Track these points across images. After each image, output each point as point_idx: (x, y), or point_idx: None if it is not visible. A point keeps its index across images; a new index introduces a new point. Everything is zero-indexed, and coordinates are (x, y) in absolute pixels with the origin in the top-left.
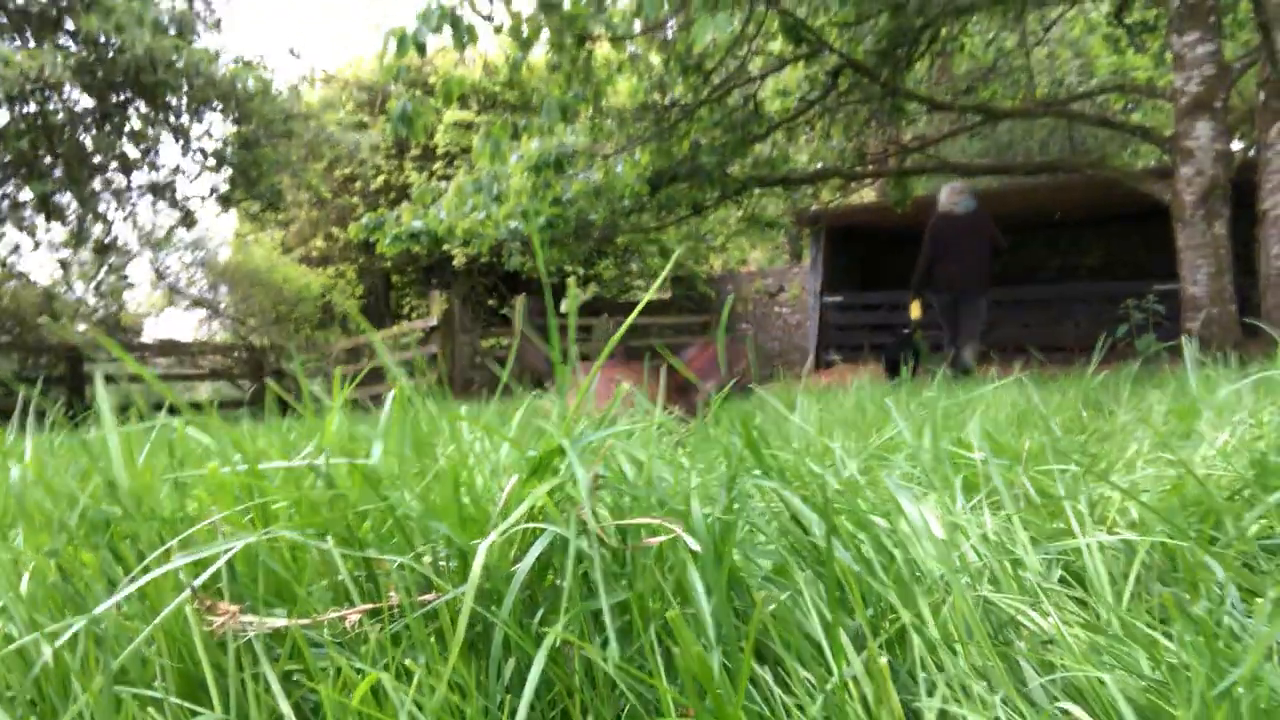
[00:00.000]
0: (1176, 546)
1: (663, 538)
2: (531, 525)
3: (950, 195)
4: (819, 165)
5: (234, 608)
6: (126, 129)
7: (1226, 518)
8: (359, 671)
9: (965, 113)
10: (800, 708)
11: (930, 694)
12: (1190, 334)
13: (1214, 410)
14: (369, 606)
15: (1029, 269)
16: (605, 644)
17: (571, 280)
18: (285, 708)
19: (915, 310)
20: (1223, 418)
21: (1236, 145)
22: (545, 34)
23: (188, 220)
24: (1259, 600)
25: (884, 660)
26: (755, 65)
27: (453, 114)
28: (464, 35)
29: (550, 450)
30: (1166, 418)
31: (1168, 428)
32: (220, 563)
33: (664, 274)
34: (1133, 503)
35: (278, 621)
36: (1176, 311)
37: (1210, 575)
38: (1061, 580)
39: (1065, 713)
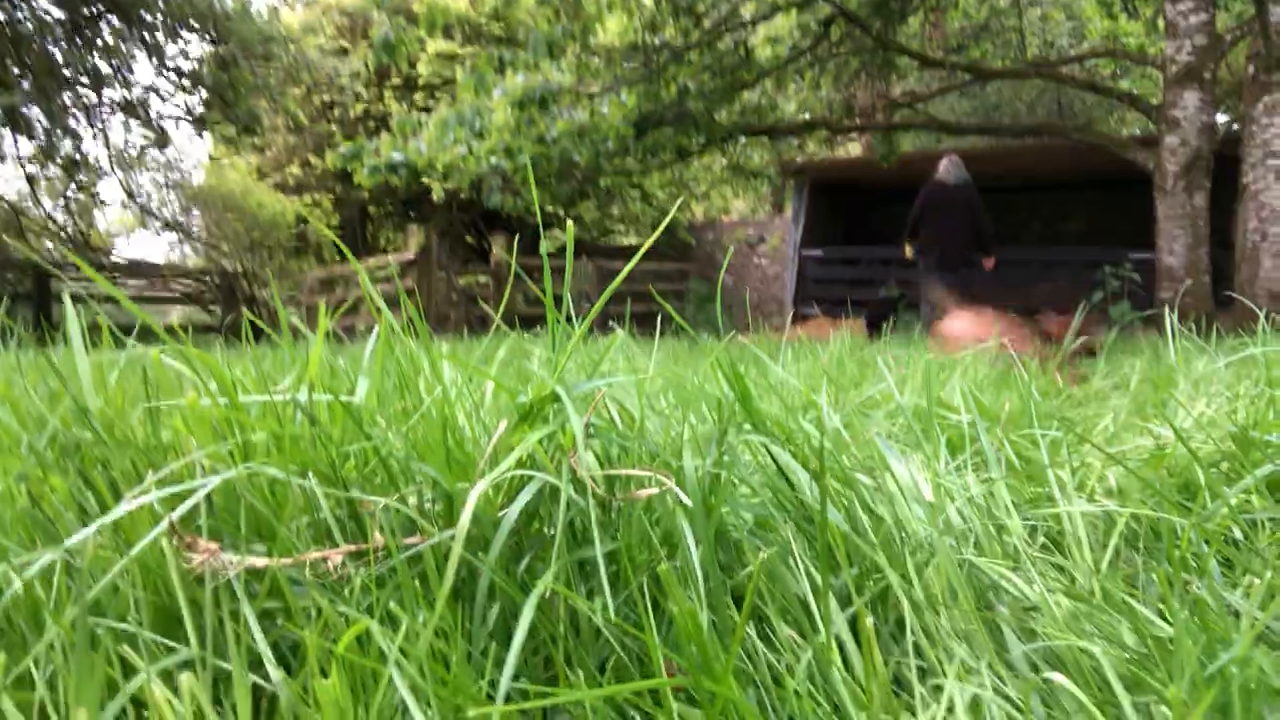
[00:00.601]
0: (1158, 517)
1: (653, 490)
2: (521, 472)
3: (946, 165)
4: (806, 116)
5: (213, 544)
6: (98, 43)
7: (1206, 490)
8: (342, 615)
9: (955, 70)
10: (787, 667)
11: (916, 655)
12: (1165, 304)
13: (1191, 381)
14: (352, 548)
15: (1011, 231)
16: (591, 594)
17: (570, 224)
18: (264, 647)
19: (908, 251)
20: (1199, 389)
21: (1222, 118)
22: None
23: (161, 140)
24: (1238, 571)
25: (869, 621)
26: (748, 10)
27: (436, 45)
28: None
29: (542, 396)
30: (1142, 387)
31: (1143, 397)
32: (199, 496)
33: (663, 225)
34: (1112, 470)
35: (258, 560)
36: (1152, 280)
37: (1191, 546)
38: (1042, 546)
39: (1048, 681)
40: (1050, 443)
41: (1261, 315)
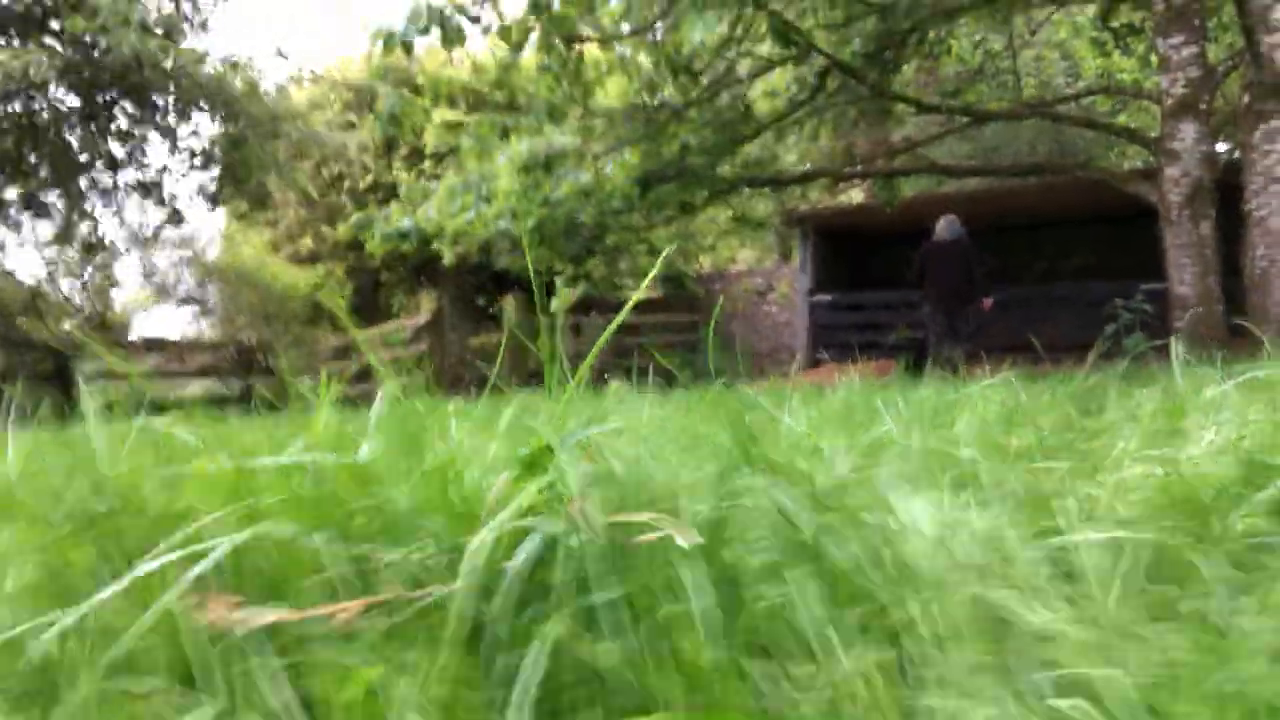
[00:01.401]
0: (1166, 544)
1: (654, 535)
2: (523, 523)
3: (943, 224)
4: (807, 166)
5: (231, 599)
6: (113, 128)
7: (1214, 516)
8: (353, 667)
9: (952, 114)
10: (794, 705)
11: (926, 689)
12: (1177, 333)
13: (1201, 409)
14: (362, 603)
15: (1014, 271)
16: (597, 640)
17: (561, 284)
18: (286, 697)
19: None
20: (1209, 416)
21: (1221, 147)
22: (534, 36)
23: (175, 218)
24: (1251, 596)
25: (879, 659)
26: (744, 66)
27: (441, 113)
28: (452, 37)
29: (540, 448)
30: (1154, 416)
31: (1155, 426)
32: (214, 559)
33: (651, 274)
34: (1122, 500)
35: (270, 616)
36: (1163, 311)
37: (1198, 573)
38: (1051, 577)
39: (1060, 710)
40: (1060, 475)
41: (1266, 341)
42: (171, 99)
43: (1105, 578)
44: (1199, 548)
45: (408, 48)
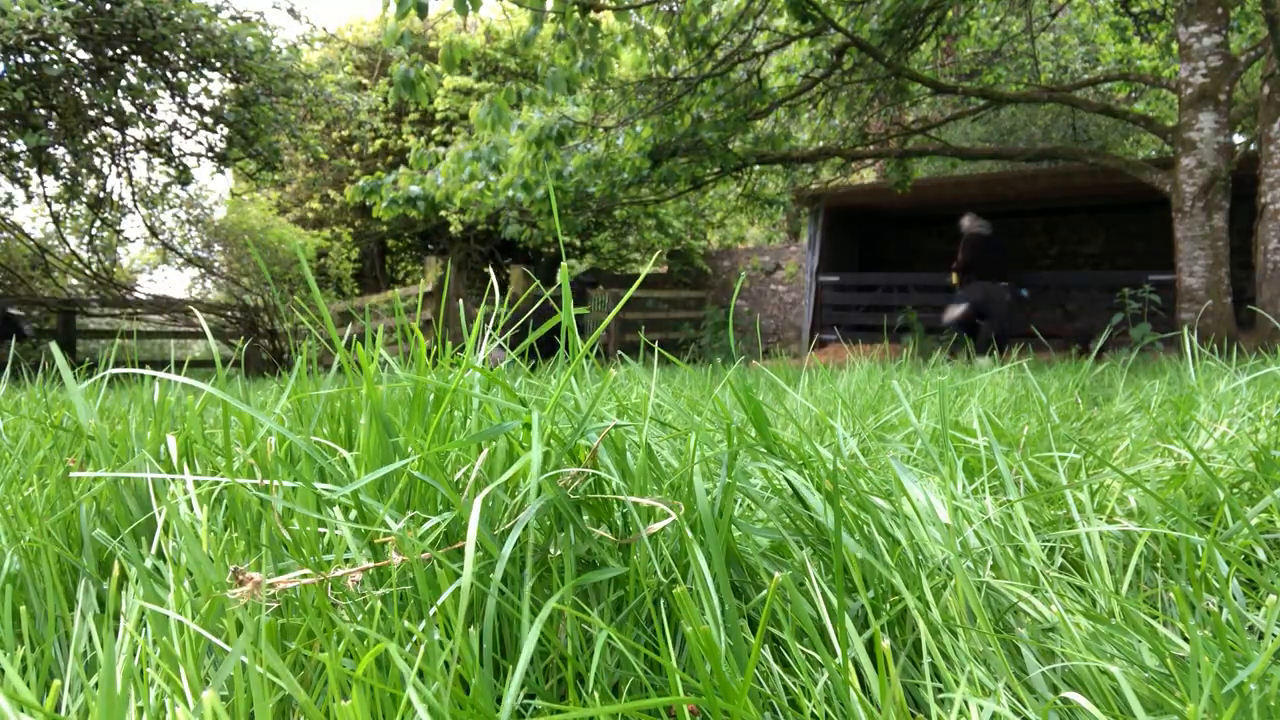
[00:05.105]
0: (1178, 538)
1: (664, 512)
2: (522, 496)
3: (973, 222)
4: (820, 144)
5: (258, 576)
6: (123, 84)
7: (1228, 510)
8: (360, 635)
9: (969, 96)
10: (803, 689)
11: (933, 677)
12: (1186, 325)
13: (1212, 402)
14: (369, 565)
15: (1028, 256)
16: (603, 617)
17: (560, 256)
18: (285, 672)
19: (954, 279)
20: (1220, 410)
21: (1238, 139)
22: (550, 3)
23: (183, 177)
24: (1260, 593)
25: (886, 643)
26: (760, 41)
27: (452, 80)
28: (466, 1)
29: (551, 427)
30: (1163, 408)
31: (1164, 419)
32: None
33: (657, 255)
34: (1132, 492)
35: (289, 581)
36: (1172, 302)
37: (1212, 567)
38: (1061, 568)
39: (1067, 701)
40: (1069, 465)
41: None
42: (182, 55)
43: (1114, 570)
44: (1216, 543)
45: (421, 9)
